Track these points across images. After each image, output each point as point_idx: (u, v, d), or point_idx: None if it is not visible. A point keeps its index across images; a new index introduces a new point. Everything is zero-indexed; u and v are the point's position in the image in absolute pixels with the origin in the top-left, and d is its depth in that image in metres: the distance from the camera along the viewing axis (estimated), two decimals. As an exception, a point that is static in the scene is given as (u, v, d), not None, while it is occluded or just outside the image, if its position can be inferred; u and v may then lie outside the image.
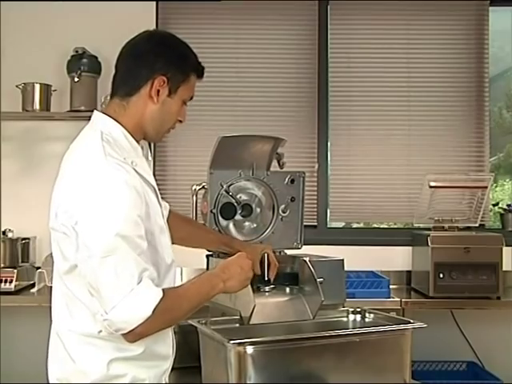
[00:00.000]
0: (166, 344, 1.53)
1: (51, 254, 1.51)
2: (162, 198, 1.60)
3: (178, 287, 1.51)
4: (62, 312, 1.48)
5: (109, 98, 2.13)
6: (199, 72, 1.59)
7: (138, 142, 1.54)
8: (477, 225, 3.36)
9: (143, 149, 1.57)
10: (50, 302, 1.55)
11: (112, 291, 1.33)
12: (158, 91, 1.50)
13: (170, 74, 1.51)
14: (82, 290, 1.40)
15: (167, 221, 1.61)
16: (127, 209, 1.37)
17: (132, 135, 1.51)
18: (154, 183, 1.53)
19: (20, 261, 3.22)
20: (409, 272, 3.43)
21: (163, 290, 1.39)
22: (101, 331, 1.40)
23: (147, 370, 1.47)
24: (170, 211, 1.83)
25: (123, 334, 1.36)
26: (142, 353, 1.45)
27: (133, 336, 1.37)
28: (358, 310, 2.03)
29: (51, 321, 1.55)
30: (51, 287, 1.56)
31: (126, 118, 1.51)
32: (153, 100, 1.51)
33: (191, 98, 1.60)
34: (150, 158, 1.63)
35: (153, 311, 1.34)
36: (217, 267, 1.61)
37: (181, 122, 1.60)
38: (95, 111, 1.56)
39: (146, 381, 1.47)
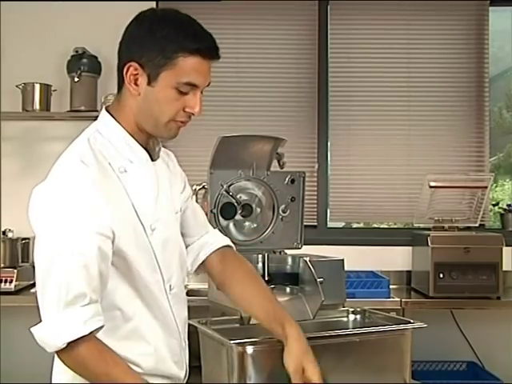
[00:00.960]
0: (171, 363, 1.46)
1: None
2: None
3: (111, 353, 1.30)
4: None
5: (109, 97, 2.13)
6: (198, 52, 1.32)
7: (142, 143, 1.41)
8: (477, 225, 3.36)
9: (155, 150, 1.44)
10: None
11: (45, 307, 1.26)
12: (136, 80, 1.32)
13: (145, 58, 1.31)
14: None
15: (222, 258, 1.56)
16: (79, 222, 1.25)
17: (133, 136, 1.39)
18: (143, 197, 1.38)
19: (20, 261, 3.22)
20: (409, 272, 3.43)
21: (98, 331, 1.26)
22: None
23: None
24: (228, 246, 1.66)
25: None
26: (142, 372, 1.38)
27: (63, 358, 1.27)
28: (358, 310, 2.03)
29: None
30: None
31: (122, 116, 1.38)
32: (131, 92, 1.34)
33: (195, 86, 1.35)
34: (159, 156, 1.49)
35: (66, 344, 1.23)
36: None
37: (192, 114, 1.36)
38: (103, 109, 1.44)
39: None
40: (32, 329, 1.26)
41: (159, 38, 1.31)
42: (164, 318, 1.43)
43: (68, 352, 1.24)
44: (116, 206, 1.32)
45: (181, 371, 1.52)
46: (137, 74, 1.32)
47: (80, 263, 1.24)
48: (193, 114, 1.37)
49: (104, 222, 1.28)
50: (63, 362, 1.28)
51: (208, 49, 1.34)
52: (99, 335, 1.28)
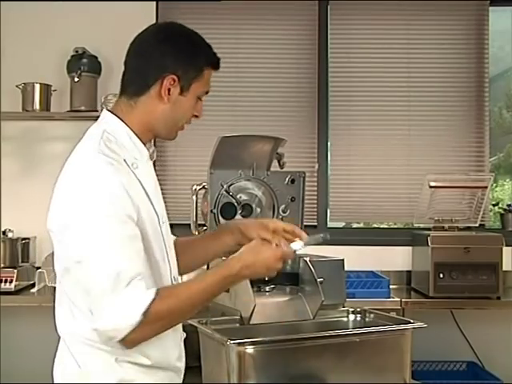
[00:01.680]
0: (175, 355, 1.48)
1: (51, 253, 1.51)
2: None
3: (177, 285, 1.46)
4: (65, 314, 1.43)
5: (109, 97, 2.12)
6: (214, 64, 1.52)
7: (145, 142, 1.49)
8: (477, 225, 3.36)
9: (149, 150, 1.52)
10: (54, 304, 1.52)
11: (100, 296, 1.29)
12: (169, 90, 1.44)
13: (181, 71, 1.44)
14: (76, 293, 1.37)
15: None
16: (115, 208, 1.32)
17: (138, 135, 1.47)
18: (151, 192, 1.46)
19: (20, 261, 3.22)
20: (409, 272, 3.43)
21: (158, 290, 1.32)
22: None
23: (153, 377, 1.42)
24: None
25: (119, 342, 1.31)
26: (150, 364, 1.40)
27: (128, 343, 1.32)
28: (358, 310, 2.02)
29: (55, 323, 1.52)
30: (52, 287, 1.57)
31: (133, 118, 1.46)
32: (163, 100, 1.44)
33: (207, 93, 1.54)
34: (155, 157, 1.57)
35: (143, 315, 1.28)
36: (234, 257, 1.46)
37: (197, 117, 1.53)
38: (104, 110, 1.51)
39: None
40: (95, 325, 1.29)
41: (193, 54, 1.48)
42: None
43: (147, 319, 1.28)
44: (139, 198, 1.39)
45: (181, 363, 1.53)
46: (172, 84, 1.44)
47: (126, 243, 1.32)
48: (197, 117, 1.54)
49: (134, 210, 1.36)
50: (142, 335, 1.31)
51: (218, 62, 1.54)
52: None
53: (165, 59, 1.45)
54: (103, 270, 1.29)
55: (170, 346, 1.46)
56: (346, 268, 2.02)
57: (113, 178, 1.34)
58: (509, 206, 3.63)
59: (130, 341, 1.31)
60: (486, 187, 3.28)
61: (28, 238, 3.29)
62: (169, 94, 1.44)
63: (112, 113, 1.47)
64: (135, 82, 1.47)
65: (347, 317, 2.02)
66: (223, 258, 1.66)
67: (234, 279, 1.44)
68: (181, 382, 1.51)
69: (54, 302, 1.50)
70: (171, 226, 1.55)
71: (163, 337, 1.41)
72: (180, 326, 1.52)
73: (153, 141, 1.59)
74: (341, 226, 3.81)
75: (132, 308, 1.28)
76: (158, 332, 1.36)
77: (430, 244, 3.05)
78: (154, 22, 3.52)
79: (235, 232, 1.63)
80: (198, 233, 2.12)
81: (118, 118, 1.46)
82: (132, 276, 1.29)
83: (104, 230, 1.30)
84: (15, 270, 3.05)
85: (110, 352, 1.36)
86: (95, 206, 1.31)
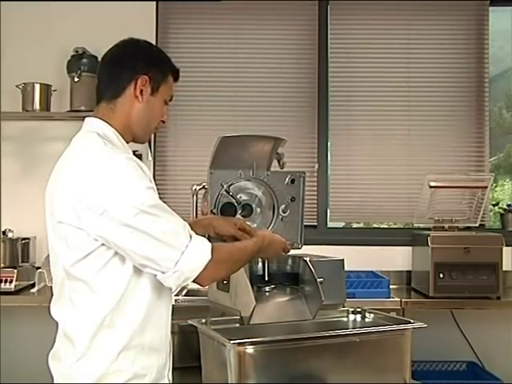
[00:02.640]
0: (160, 336, 1.55)
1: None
2: (161, 198, 1.60)
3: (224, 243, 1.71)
4: (67, 307, 1.50)
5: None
6: (175, 73, 1.68)
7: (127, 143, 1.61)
8: (477, 225, 3.36)
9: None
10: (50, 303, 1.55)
11: (170, 251, 1.42)
12: (142, 90, 1.59)
13: (151, 73, 1.60)
14: (94, 275, 1.45)
15: None
16: (143, 181, 1.44)
17: (122, 137, 1.58)
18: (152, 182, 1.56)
19: (20, 261, 3.22)
20: (409, 272, 3.43)
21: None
22: (104, 319, 1.44)
23: (147, 363, 1.49)
24: None
25: (196, 281, 1.47)
26: (139, 342, 1.48)
27: (204, 279, 1.48)
28: (358, 309, 2.02)
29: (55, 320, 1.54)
30: (51, 287, 1.57)
31: (115, 120, 1.58)
32: (138, 99, 1.59)
33: (171, 99, 1.68)
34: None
35: (211, 255, 1.46)
36: (263, 233, 1.76)
37: (163, 122, 1.68)
38: (86, 118, 1.62)
39: (147, 376, 1.49)
40: (176, 268, 1.42)
41: (160, 59, 1.65)
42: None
43: (214, 258, 1.47)
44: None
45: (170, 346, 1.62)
46: (144, 85, 1.59)
47: (165, 205, 1.48)
48: (163, 122, 1.68)
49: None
50: (216, 270, 1.49)
51: (178, 73, 1.70)
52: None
53: (137, 62, 1.60)
54: (176, 223, 1.46)
55: (156, 331, 1.53)
56: (346, 268, 2.02)
57: (128, 160, 1.46)
58: (509, 205, 3.63)
59: (204, 278, 1.47)
60: (486, 187, 3.28)
61: (28, 238, 3.29)
62: (141, 93, 1.59)
63: (96, 117, 1.59)
64: (111, 86, 1.60)
65: (347, 317, 2.02)
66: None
67: (261, 247, 1.69)
68: (169, 364, 1.59)
69: (52, 297, 1.55)
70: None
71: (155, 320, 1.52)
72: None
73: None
74: (341, 226, 3.81)
75: (202, 250, 1.46)
76: (223, 272, 1.58)
77: (429, 244, 3.05)
78: (154, 22, 3.54)
79: (208, 227, 1.81)
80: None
81: (103, 121, 1.57)
82: (186, 228, 1.47)
83: (145, 200, 1.42)
84: (15, 270, 3.05)
85: (108, 337, 1.45)
86: (128, 185, 1.42)
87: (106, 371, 1.44)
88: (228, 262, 1.57)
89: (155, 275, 1.45)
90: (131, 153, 1.58)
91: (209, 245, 1.48)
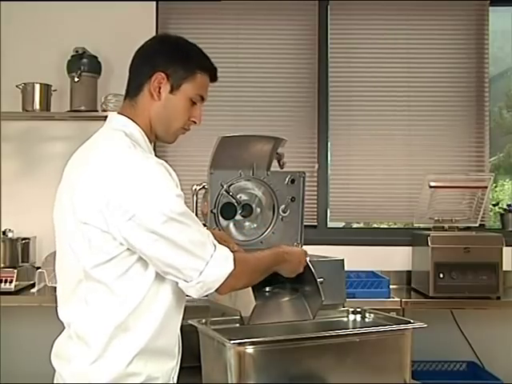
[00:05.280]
0: (174, 341, 1.55)
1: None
2: None
3: (245, 253, 1.67)
4: (80, 308, 1.46)
5: (109, 97, 2.11)
6: (209, 72, 1.59)
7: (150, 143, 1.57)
8: (477, 225, 3.36)
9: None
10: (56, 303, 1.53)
11: (195, 261, 1.41)
12: (160, 88, 1.52)
13: (171, 70, 1.52)
14: (116, 279, 1.42)
15: None
16: (173, 188, 1.43)
17: (147, 136, 1.55)
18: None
19: (20, 261, 3.21)
20: (409, 272, 3.43)
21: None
22: (122, 323, 1.42)
23: (160, 367, 1.49)
24: None
25: (217, 291, 1.46)
26: (154, 346, 1.47)
27: (224, 289, 1.47)
28: (358, 309, 2.03)
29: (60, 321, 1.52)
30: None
31: (137, 118, 1.54)
32: (153, 97, 1.53)
33: (203, 99, 1.60)
34: None
35: (234, 265, 1.45)
36: (280, 249, 1.72)
37: (195, 122, 1.60)
38: (111, 113, 1.58)
39: (160, 379, 1.49)
40: (199, 279, 1.41)
41: (184, 55, 1.56)
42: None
43: (237, 268, 1.46)
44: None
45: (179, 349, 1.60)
46: (162, 82, 1.52)
47: (192, 215, 1.46)
48: (195, 123, 1.61)
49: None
50: (237, 280, 1.49)
51: (215, 71, 1.61)
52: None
53: (156, 58, 1.54)
54: (202, 233, 1.45)
55: (169, 334, 1.53)
56: (346, 268, 2.02)
57: (159, 165, 1.43)
58: (509, 205, 3.63)
59: (226, 286, 1.46)
60: (486, 187, 3.28)
61: (28, 238, 3.29)
62: (159, 91, 1.52)
63: (122, 115, 1.55)
64: (133, 82, 1.56)
65: (347, 317, 2.03)
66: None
67: (281, 260, 1.68)
68: (177, 367, 1.58)
69: (56, 299, 1.52)
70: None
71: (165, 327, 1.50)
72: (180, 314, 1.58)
73: (153, 142, 1.61)
74: (341, 226, 3.81)
75: (225, 261, 1.45)
76: (242, 283, 1.56)
77: (429, 244, 3.05)
78: (153, 22, 3.53)
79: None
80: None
81: (129, 119, 1.53)
82: (210, 238, 1.46)
83: (173, 208, 1.39)
84: (15, 270, 3.04)
85: (124, 339, 1.43)
86: (158, 191, 1.39)
87: (121, 373, 1.43)
88: (248, 273, 1.57)
89: (177, 283, 1.44)
90: (153, 154, 1.55)
91: (231, 255, 1.47)
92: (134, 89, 1.55)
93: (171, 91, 1.53)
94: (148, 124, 1.54)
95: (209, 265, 1.42)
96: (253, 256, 1.63)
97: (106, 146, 1.47)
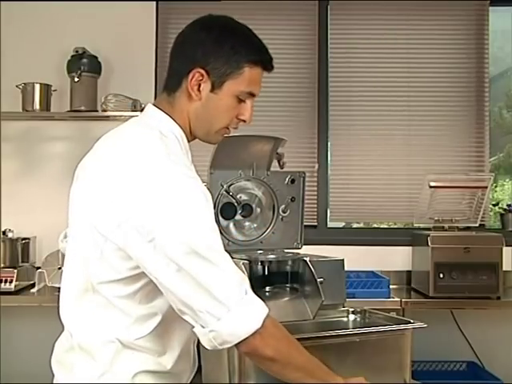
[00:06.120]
0: (188, 361, 1.45)
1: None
2: None
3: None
4: (86, 320, 1.35)
5: (109, 97, 2.09)
6: (262, 63, 1.39)
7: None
8: (477, 225, 3.36)
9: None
10: (58, 307, 1.43)
11: (215, 306, 1.20)
12: (199, 86, 1.34)
13: (211, 65, 1.33)
14: (125, 298, 1.30)
15: None
16: (209, 219, 1.24)
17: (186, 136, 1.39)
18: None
19: (20, 261, 3.21)
20: (409, 272, 3.43)
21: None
22: (137, 338, 1.31)
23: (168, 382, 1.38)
24: None
25: (238, 348, 1.24)
26: (169, 369, 1.36)
27: (246, 347, 1.23)
28: (358, 310, 2.02)
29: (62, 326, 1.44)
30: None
31: (175, 116, 1.37)
32: (191, 96, 1.35)
33: (253, 95, 1.41)
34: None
35: (262, 324, 1.22)
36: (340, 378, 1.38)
37: (244, 121, 1.44)
38: (150, 105, 1.40)
39: None
40: (214, 327, 1.20)
41: (228, 49, 1.35)
42: None
43: (265, 328, 1.22)
44: None
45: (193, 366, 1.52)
46: (201, 79, 1.34)
47: (225, 252, 1.25)
48: (244, 122, 1.44)
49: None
50: (263, 343, 1.23)
51: (269, 61, 1.41)
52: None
53: (196, 50, 1.34)
54: (231, 276, 1.23)
55: (185, 353, 1.41)
56: (346, 268, 2.02)
57: (199, 188, 1.25)
58: (509, 205, 3.63)
59: (243, 346, 1.23)
60: (486, 187, 3.28)
61: (28, 238, 3.29)
62: (198, 90, 1.34)
63: (159, 109, 1.38)
64: (171, 76, 1.39)
65: (347, 317, 2.02)
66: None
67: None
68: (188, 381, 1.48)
69: (58, 302, 1.42)
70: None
71: (176, 346, 1.37)
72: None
73: None
74: (341, 226, 3.81)
75: (252, 314, 1.22)
76: (269, 351, 1.25)
77: (429, 244, 3.05)
78: (153, 22, 3.53)
79: None
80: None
81: (167, 115, 1.37)
82: (243, 282, 1.24)
83: (205, 240, 1.21)
84: (15, 270, 3.04)
85: (131, 358, 1.32)
86: (190, 218, 1.21)
87: None
88: (281, 343, 1.27)
89: (193, 326, 1.25)
90: (190, 158, 1.40)
91: (264, 310, 1.24)
92: (172, 83, 1.37)
93: (212, 89, 1.35)
94: (187, 124, 1.38)
95: (231, 313, 1.19)
96: (297, 342, 1.32)
97: (138, 149, 1.27)
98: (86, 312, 1.34)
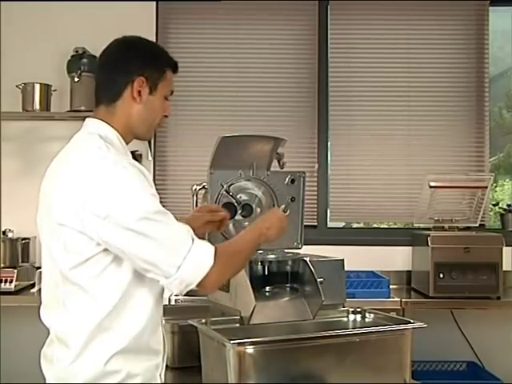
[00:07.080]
0: (156, 338, 1.55)
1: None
2: (161, 198, 1.60)
3: (224, 242, 1.70)
4: (60, 312, 1.50)
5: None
6: (173, 67, 1.66)
7: (127, 144, 1.62)
8: (477, 225, 3.36)
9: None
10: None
11: (172, 256, 1.42)
12: (140, 91, 1.58)
13: (147, 73, 1.59)
14: (91, 280, 1.45)
15: None
16: (147, 188, 1.46)
17: (123, 138, 1.59)
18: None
19: (20, 261, 3.22)
20: (409, 272, 3.43)
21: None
22: (100, 323, 1.44)
23: (140, 364, 1.50)
24: None
25: (200, 288, 1.46)
26: (135, 345, 1.48)
27: (208, 286, 1.47)
28: (358, 310, 2.02)
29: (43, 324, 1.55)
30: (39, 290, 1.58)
31: (116, 122, 1.58)
32: (136, 101, 1.58)
33: (171, 93, 1.67)
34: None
35: (214, 259, 1.45)
36: (256, 220, 1.75)
37: (166, 116, 1.68)
38: (87, 118, 1.62)
39: (140, 376, 1.49)
40: (176, 275, 1.42)
41: (154, 57, 1.64)
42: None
43: (218, 262, 1.46)
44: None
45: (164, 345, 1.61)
46: (142, 86, 1.58)
47: (167, 212, 1.47)
48: (166, 117, 1.68)
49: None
50: (219, 275, 1.48)
51: (177, 65, 1.68)
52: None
53: (131, 64, 1.60)
54: (178, 229, 1.46)
55: (151, 330, 1.53)
56: (346, 268, 2.02)
57: (132, 166, 1.47)
58: (509, 205, 3.63)
59: (209, 283, 1.46)
60: (486, 187, 3.28)
61: (28, 238, 3.29)
62: (139, 94, 1.58)
63: (97, 119, 1.59)
64: (109, 90, 1.60)
65: (347, 317, 2.02)
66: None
67: (263, 237, 1.66)
68: (163, 364, 1.58)
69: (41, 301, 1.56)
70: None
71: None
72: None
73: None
74: (341, 226, 3.81)
75: (204, 255, 1.45)
76: (227, 276, 1.58)
77: (429, 244, 3.05)
78: (153, 22, 3.54)
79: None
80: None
81: (105, 122, 1.57)
82: (189, 232, 1.47)
83: (149, 206, 1.43)
84: (15, 270, 3.05)
85: (102, 341, 1.45)
86: (133, 190, 1.43)
87: (100, 371, 1.45)
88: (231, 265, 1.55)
89: (158, 280, 1.45)
90: (130, 156, 1.58)
91: (211, 250, 1.47)
92: (110, 96, 1.59)
93: (150, 93, 1.60)
94: (126, 126, 1.59)
95: (186, 260, 1.42)
96: (232, 244, 1.63)
97: (81, 150, 1.51)
98: (59, 304, 1.49)
